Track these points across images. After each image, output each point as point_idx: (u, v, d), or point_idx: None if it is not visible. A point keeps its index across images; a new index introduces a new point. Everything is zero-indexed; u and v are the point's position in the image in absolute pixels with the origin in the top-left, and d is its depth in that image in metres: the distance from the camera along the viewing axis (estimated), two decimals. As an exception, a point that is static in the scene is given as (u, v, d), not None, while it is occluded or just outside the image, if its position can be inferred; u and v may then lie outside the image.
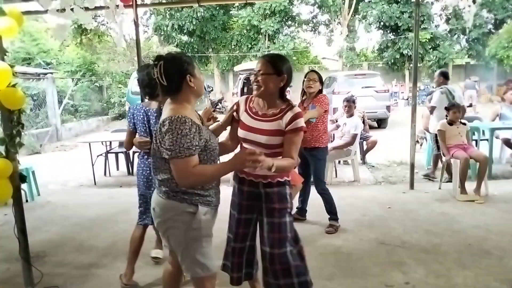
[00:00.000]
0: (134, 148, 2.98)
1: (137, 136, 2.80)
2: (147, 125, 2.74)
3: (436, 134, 5.27)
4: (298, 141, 2.09)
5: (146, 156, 2.76)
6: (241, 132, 2.16)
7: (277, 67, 2.09)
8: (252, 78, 2.14)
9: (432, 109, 5.62)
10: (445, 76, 5.72)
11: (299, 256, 2.22)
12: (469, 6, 4.15)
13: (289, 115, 2.08)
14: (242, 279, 2.33)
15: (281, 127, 2.08)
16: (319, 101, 3.67)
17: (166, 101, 1.96)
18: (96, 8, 4.60)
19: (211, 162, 1.94)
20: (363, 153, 6.86)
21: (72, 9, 3.51)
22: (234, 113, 2.25)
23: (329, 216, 3.87)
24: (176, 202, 1.88)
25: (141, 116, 2.74)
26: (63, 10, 3.42)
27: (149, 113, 2.72)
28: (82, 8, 3.76)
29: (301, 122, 2.09)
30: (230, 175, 2.20)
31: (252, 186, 2.19)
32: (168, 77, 1.84)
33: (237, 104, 2.27)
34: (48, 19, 20.08)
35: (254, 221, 2.27)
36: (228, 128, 2.29)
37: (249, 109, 2.19)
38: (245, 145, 2.17)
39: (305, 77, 3.79)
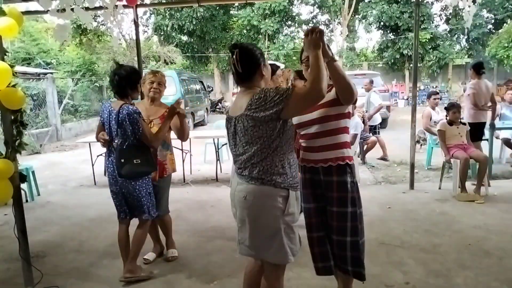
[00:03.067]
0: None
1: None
2: (109, 125, 2.80)
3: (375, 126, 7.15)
4: None
5: (110, 154, 2.87)
6: (294, 120, 2.12)
7: None
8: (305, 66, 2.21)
9: (379, 108, 7.26)
10: (372, 82, 7.94)
11: (358, 247, 2.19)
12: (469, 6, 4.13)
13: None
14: (331, 269, 2.31)
15: (333, 97, 2.11)
16: None
17: (241, 90, 2.04)
18: (96, 8, 4.60)
19: (289, 141, 1.98)
20: (363, 153, 6.86)
21: (72, 9, 3.51)
22: None
23: None
24: (270, 187, 1.90)
25: (106, 115, 2.83)
26: (63, 10, 3.42)
27: (112, 114, 2.78)
28: (82, 8, 3.76)
29: None
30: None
31: (312, 172, 2.20)
32: (244, 65, 1.96)
33: None
34: (48, 19, 20.13)
35: (321, 210, 2.25)
36: None
37: None
38: (299, 131, 2.25)
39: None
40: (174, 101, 2.99)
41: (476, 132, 5.30)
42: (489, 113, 5.57)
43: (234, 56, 1.95)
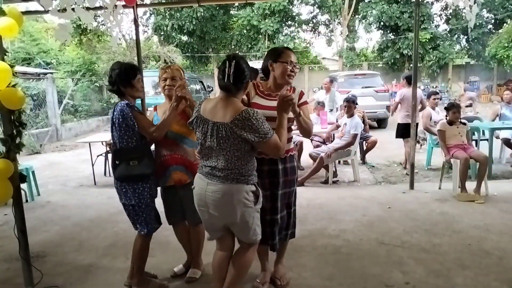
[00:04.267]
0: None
1: None
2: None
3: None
4: (308, 111, 2.64)
5: None
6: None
7: None
8: (288, 67, 2.47)
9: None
10: (332, 82, 8.25)
11: (295, 214, 2.78)
12: (471, 6, 4.11)
13: (297, 94, 2.56)
14: (276, 246, 2.65)
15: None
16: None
17: (223, 97, 2.17)
18: (96, 8, 4.61)
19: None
20: (363, 153, 6.86)
21: (73, 9, 3.51)
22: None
23: None
24: (243, 184, 2.16)
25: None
26: (64, 10, 3.42)
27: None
28: (83, 8, 3.76)
29: (305, 97, 2.64)
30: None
31: (272, 164, 2.52)
32: (236, 78, 2.12)
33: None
34: (48, 19, 20.14)
35: (275, 196, 2.57)
36: None
37: (260, 93, 2.57)
38: None
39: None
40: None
41: (407, 131, 5.94)
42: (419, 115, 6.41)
43: (228, 67, 2.09)
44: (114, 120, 2.59)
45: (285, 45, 21.79)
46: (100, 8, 4.63)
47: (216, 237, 2.39)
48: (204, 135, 2.17)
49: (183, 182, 2.75)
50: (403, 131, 6.13)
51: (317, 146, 6.20)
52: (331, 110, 7.34)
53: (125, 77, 2.61)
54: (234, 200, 2.15)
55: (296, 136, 4.91)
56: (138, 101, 3.82)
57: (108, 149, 6.38)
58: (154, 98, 9.57)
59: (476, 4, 4.15)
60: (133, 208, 2.67)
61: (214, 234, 2.38)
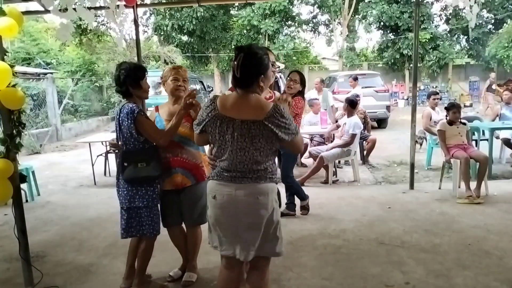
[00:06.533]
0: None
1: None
2: (116, 127, 2.67)
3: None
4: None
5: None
6: None
7: None
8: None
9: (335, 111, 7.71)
10: (323, 82, 8.52)
11: None
12: (471, 6, 4.11)
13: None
14: None
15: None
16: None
17: (240, 94, 1.98)
18: (97, 8, 4.61)
19: None
20: (366, 154, 6.84)
21: (74, 9, 3.51)
22: None
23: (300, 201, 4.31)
24: (273, 183, 2.05)
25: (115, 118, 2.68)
26: (65, 9, 3.42)
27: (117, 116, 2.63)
28: (85, 7, 3.76)
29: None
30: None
31: None
32: (244, 71, 1.94)
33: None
34: (48, 19, 20.13)
35: None
36: None
37: None
38: None
39: (287, 77, 3.95)
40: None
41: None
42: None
43: (236, 61, 1.91)
44: (120, 121, 2.56)
45: (285, 45, 21.99)
46: (101, 8, 4.63)
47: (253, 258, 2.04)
48: (228, 134, 1.94)
49: (184, 185, 2.73)
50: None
51: (318, 145, 6.23)
52: (325, 110, 7.37)
53: (134, 78, 2.58)
54: (269, 200, 1.98)
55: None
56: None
57: (108, 149, 6.38)
58: (154, 98, 9.56)
59: (476, 4, 4.15)
60: (140, 210, 2.64)
61: (252, 253, 2.02)
